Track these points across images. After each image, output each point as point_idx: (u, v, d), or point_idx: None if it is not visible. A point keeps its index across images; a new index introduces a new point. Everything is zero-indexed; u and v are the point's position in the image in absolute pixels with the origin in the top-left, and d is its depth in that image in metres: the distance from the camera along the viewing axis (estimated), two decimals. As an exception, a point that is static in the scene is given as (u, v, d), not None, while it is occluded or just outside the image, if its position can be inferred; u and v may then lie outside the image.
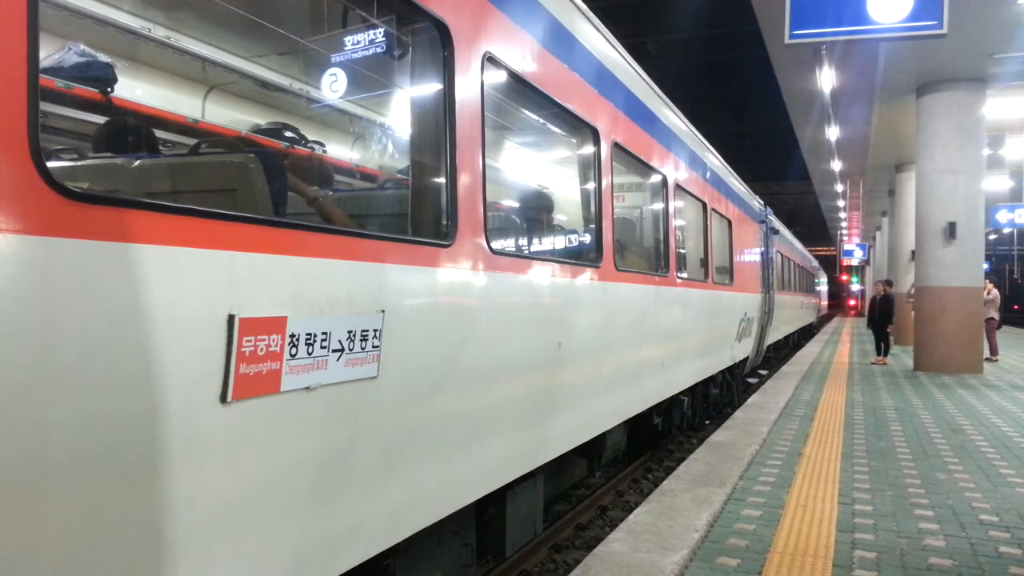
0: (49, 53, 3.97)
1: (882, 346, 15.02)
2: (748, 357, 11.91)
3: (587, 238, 4.76)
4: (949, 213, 12.52)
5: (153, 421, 1.73)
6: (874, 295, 16.34)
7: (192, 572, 1.86)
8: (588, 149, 4.71)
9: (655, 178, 6.44)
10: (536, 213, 4.86)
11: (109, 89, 4.17)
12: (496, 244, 3.37)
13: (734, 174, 11.06)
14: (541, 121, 4.96)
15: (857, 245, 39.96)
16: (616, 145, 5.00)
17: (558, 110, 4.19)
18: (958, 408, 8.84)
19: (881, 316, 15.09)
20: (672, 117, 6.95)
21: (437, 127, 3.02)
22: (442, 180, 3.01)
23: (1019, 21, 9.94)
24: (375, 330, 2.47)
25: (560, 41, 4.12)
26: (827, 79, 12.73)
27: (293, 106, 6.24)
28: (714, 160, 9.22)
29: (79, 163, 2.95)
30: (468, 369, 3.15)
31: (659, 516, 4.29)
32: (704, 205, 8.16)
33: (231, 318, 1.91)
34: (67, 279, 1.56)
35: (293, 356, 2.11)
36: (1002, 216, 19.72)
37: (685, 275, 7.11)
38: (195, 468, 1.85)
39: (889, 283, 16.43)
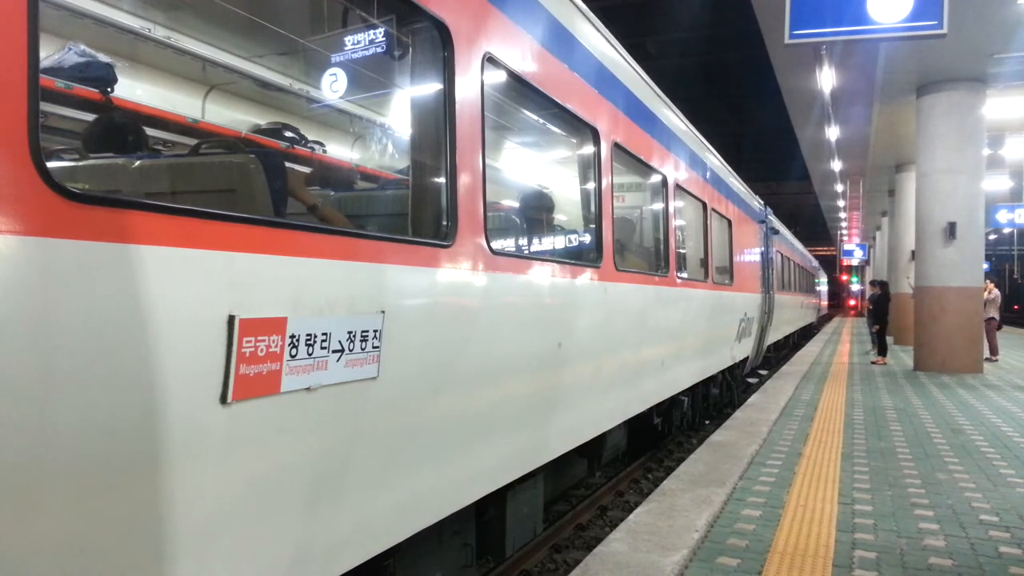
0: (49, 53, 3.97)
1: (880, 344, 14.98)
2: (748, 357, 11.91)
3: (587, 238, 4.76)
4: (949, 213, 12.52)
5: (153, 422, 1.73)
6: (871, 294, 16.35)
7: (192, 572, 1.86)
8: (588, 149, 4.71)
9: (655, 178, 6.43)
10: (536, 213, 4.85)
11: (109, 89, 4.17)
12: (496, 244, 3.37)
13: (734, 174, 11.06)
14: (541, 121, 4.96)
15: (857, 245, 39.92)
16: (616, 145, 5.00)
17: (558, 110, 4.19)
18: (958, 408, 8.84)
19: (875, 316, 15.08)
20: (672, 117, 6.95)
21: (437, 127, 3.02)
22: (442, 180, 3.01)
23: (1019, 21, 9.94)
24: (375, 331, 2.47)
25: (560, 41, 4.12)
26: (827, 79, 12.73)
27: (293, 106, 6.24)
28: (714, 160, 9.22)
29: (79, 163, 2.95)
30: (468, 369, 3.15)
31: (659, 516, 4.29)
32: (704, 205, 8.16)
33: (231, 319, 1.91)
34: (67, 280, 1.56)
35: (293, 357, 2.11)
36: (1002, 216, 19.68)
37: (685, 275, 7.11)
38: (195, 469, 1.85)
39: (882, 283, 16.41)
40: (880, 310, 15.02)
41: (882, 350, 14.93)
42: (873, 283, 16.98)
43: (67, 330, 1.55)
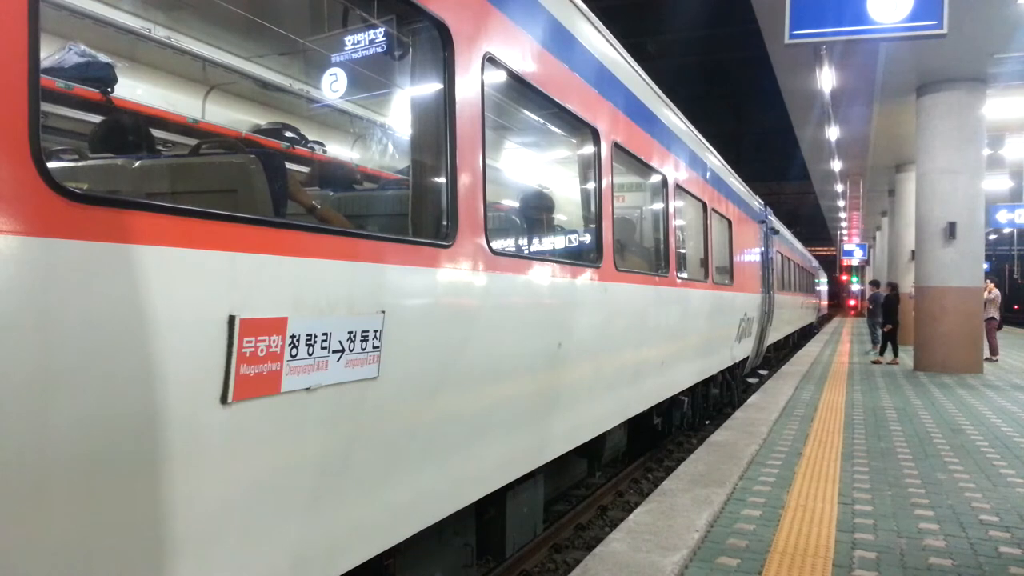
0: (49, 53, 3.96)
1: (888, 345, 14.93)
2: (748, 357, 11.91)
3: (587, 238, 4.76)
4: (949, 213, 12.52)
5: (154, 422, 1.73)
6: (872, 294, 16.32)
7: (192, 572, 1.87)
8: (588, 149, 4.71)
9: (655, 178, 6.44)
10: (536, 213, 4.85)
11: (109, 89, 4.17)
12: (496, 244, 3.37)
13: (734, 174, 11.06)
14: (541, 121, 4.96)
15: (857, 245, 39.92)
16: (616, 145, 5.00)
17: (558, 110, 4.19)
18: (958, 408, 8.84)
19: (885, 316, 15.02)
20: (672, 117, 6.95)
21: (437, 127, 3.02)
22: (442, 180, 3.01)
23: (1019, 21, 9.95)
24: (375, 331, 2.47)
25: (560, 41, 4.12)
26: (827, 79, 12.72)
27: (293, 106, 6.24)
28: (714, 160, 9.22)
29: (80, 164, 2.95)
30: (468, 369, 3.15)
31: (659, 516, 4.29)
32: (704, 205, 8.16)
33: (232, 319, 1.91)
34: (68, 280, 1.56)
35: (294, 357, 2.11)
36: (1002, 216, 19.70)
37: (685, 275, 7.11)
38: (195, 469, 1.85)
39: (892, 284, 16.39)
40: (890, 310, 14.93)
41: (884, 350, 14.93)
42: (873, 283, 16.97)
43: (68, 330, 1.55)
